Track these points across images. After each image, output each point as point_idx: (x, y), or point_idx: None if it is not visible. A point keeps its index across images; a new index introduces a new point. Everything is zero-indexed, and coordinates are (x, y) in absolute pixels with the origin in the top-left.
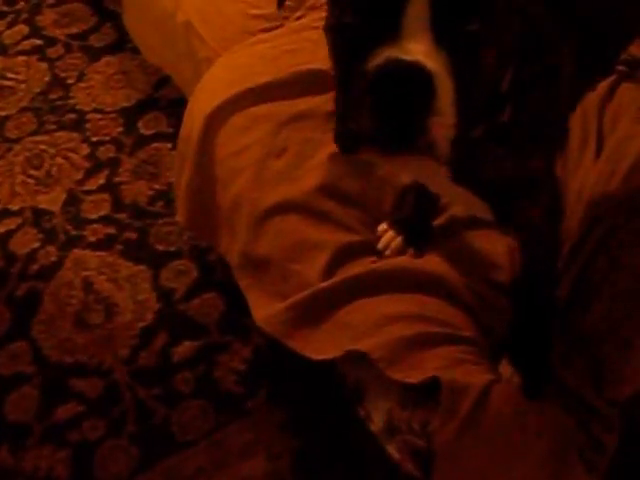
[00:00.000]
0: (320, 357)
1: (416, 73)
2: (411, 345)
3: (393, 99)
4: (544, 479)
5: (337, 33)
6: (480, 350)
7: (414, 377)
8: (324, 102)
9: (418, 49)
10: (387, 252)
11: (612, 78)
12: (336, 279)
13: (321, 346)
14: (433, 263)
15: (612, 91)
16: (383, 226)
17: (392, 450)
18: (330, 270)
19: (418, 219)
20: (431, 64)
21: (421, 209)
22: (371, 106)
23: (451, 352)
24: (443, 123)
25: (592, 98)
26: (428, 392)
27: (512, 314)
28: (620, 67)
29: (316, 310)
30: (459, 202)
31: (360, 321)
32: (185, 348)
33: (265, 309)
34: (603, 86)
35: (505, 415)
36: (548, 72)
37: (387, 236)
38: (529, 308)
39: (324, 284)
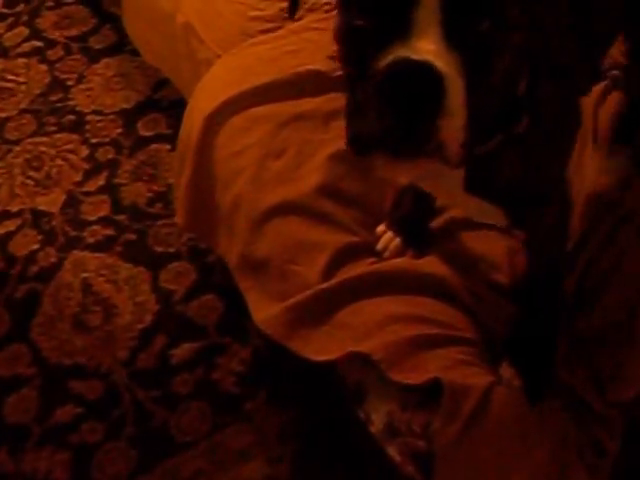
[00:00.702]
0: (320, 358)
1: (426, 72)
2: (412, 346)
3: (402, 98)
4: None
5: (347, 35)
6: (480, 351)
7: (415, 378)
8: (324, 103)
9: (428, 49)
10: (386, 253)
11: (604, 83)
12: (336, 280)
13: (321, 347)
14: (432, 264)
15: (604, 95)
16: (382, 227)
17: (392, 452)
18: (330, 271)
19: (415, 220)
20: (441, 64)
21: (418, 210)
22: (381, 106)
23: (452, 353)
24: (453, 124)
25: (587, 101)
26: (429, 393)
27: (514, 317)
28: (614, 72)
29: (316, 311)
30: (469, 210)
31: (360, 322)
32: (184, 350)
33: (265, 310)
34: (596, 90)
35: (507, 418)
36: (562, 74)
37: (386, 237)
38: (532, 310)
39: (324, 285)
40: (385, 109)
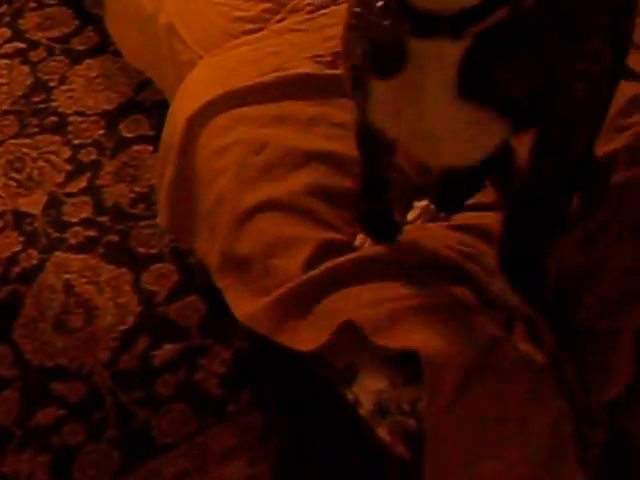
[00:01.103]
0: (310, 347)
1: None
2: (398, 312)
3: None
4: (538, 464)
5: None
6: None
7: (396, 343)
8: (307, 107)
9: None
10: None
11: None
12: (319, 269)
13: (310, 336)
14: (412, 250)
15: None
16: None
17: (383, 433)
18: (311, 264)
19: (377, 215)
20: None
21: (379, 205)
22: None
23: (440, 320)
24: None
25: None
26: (417, 369)
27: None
28: None
29: (301, 302)
30: (461, 130)
31: (347, 307)
32: (166, 351)
33: (249, 306)
34: None
35: (500, 394)
36: None
37: (359, 239)
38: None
39: (306, 276)
40: None
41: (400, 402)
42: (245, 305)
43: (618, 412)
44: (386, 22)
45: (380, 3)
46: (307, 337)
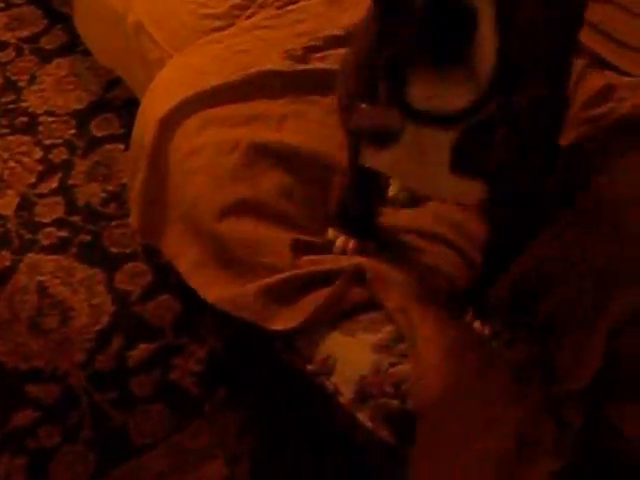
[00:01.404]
0: (289, 325)
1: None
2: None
3: (440, 25)
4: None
5: None
6: None
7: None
8: (278, 104)
9: None
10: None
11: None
12: (311, 269)
13: (290, 316)
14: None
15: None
16: (332, 231)
17: (364, 419)
18: (296, 257)
19: (362, 212)
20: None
21: (363, 202)
22: (419, 34)
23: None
24: (485, 49)
25: None
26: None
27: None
28: None
29: (289, 292)
30: (448, 192)
31: None
32: (141, 351)
33: (233, 294)
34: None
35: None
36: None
37: (340, 241)
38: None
39: (297, 271)
40: (423, 36)
41: (383, 385)
42: (225, 293)
43: (594, 403)
44: (384, 110)
45: (381, 93)
46: (286, 318)
